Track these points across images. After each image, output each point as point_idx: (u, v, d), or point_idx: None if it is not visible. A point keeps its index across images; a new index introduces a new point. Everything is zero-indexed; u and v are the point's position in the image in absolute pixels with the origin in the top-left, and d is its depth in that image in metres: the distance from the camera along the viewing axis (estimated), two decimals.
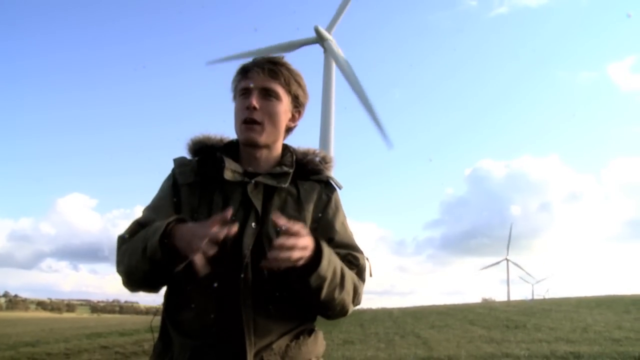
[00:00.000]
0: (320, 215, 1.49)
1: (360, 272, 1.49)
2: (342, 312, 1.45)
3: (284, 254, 1.18)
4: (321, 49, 24.77)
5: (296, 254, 1.20)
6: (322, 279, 1.30)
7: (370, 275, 1.53)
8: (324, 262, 1.28)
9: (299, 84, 1.53)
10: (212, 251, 1.18)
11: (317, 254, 1.28)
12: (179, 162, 1.54)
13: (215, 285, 1.34)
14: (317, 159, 1.57)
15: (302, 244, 1.22)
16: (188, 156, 1.56)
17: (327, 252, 1.31)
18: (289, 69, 1.50)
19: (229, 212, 1.21)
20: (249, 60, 1.52)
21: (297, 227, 1.22)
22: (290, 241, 1.19)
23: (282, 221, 1.21)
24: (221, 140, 1.57)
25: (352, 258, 1.48)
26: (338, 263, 1.37)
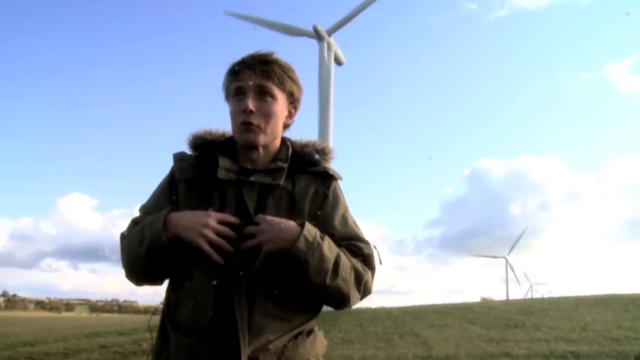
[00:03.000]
0: (318, 211, 1.46)
1: (366, 260, 1.46)
2: (342, 300, 1.41)
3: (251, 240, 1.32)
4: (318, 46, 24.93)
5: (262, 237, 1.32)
6: (298, 258, 1.31)
7: (380, 263, 1.49)
8: (300, 243, 1.31)
9: (293, 80, 1.50)
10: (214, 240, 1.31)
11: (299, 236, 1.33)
12: (178, 158, 1.53)
13: (214, 283, 1.34)
14: (316, 150, 1.55)
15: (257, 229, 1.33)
16: (188, 151, 1.55)
17: (310, 234, 1.33)
18: (280, 66, 1.47)
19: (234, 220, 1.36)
20: (238, 59, 1.48)
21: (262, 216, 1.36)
22: (252, 228, 1.33)
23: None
24: (223, 135, 1.56)
25: (354, 247, 1.45)
26: (330, 250, 1.35)
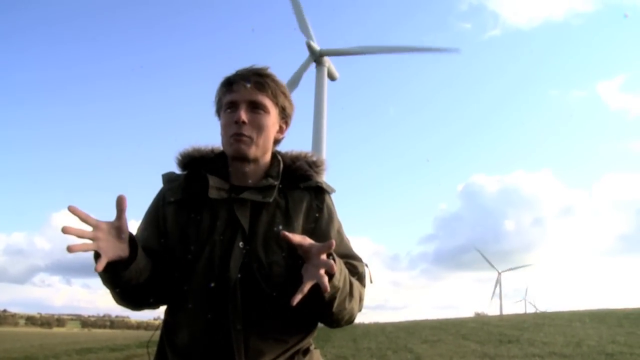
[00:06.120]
0: (313, 226, 1.44)
1: (360, 279, 1.45)
2: (349, 321, 1.40)
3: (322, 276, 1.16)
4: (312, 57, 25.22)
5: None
6: (336, 289, 1.26)
7: (371, 281, 1.48)
8: (337, 273, 1.23)
9: (285, 96, 1.49)
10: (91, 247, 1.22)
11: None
12: (167, 178, 1.51)
13: (212, 285, 1.32)
14: (307, 163, 1.53)
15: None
16: (178, 170, 1.53)
17: (338, 260, 1.28)
18: (274, 81, 1.46)
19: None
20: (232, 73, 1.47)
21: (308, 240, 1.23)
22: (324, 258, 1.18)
23: (295, 238, 1.20)
24: (212, 151, 1.53)
25: (351, 267, 1.43)
26: (346, 270, 1.33)
